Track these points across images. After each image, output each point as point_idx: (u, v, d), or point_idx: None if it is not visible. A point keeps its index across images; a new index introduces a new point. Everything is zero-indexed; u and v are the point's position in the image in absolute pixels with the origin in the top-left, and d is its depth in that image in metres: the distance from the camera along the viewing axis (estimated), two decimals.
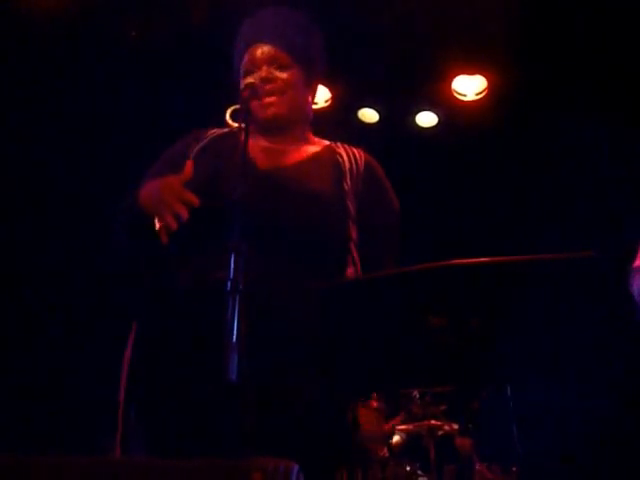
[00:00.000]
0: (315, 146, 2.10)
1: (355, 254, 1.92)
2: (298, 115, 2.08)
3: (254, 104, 1.95)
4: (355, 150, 2.10)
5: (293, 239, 1.86)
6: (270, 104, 2.00)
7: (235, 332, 1.43)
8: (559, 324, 1.40)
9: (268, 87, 2.00)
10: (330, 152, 2.07)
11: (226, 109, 1.98)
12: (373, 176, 2.06)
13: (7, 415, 3.99)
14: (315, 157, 2.05)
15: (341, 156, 2.05)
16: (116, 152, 4.25)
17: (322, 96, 4.71)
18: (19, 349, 4.25)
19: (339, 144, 2.12)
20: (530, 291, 1.38)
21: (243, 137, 1.81)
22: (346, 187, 1.98)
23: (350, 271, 1.90)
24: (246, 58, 2.07)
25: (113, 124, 4.34)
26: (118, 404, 1.80)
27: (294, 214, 1.88)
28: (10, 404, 4.06)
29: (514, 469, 3.31)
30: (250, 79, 2.01)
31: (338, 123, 4.35)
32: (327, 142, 2.13)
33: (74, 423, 4.01)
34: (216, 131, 2.11)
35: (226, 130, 2.09)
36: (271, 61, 2.04)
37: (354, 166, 2.03)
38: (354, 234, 1.94)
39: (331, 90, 4.68)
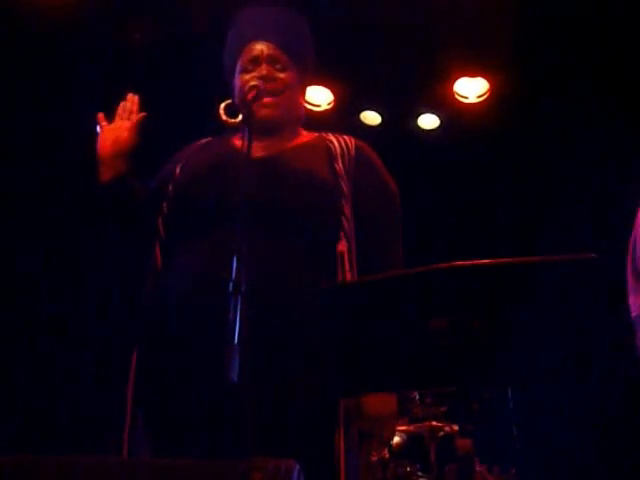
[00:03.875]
0: (305, 137, 2.12)
1: (347, 229, 1.93)
2: (292, 116, 2.09)
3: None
4: (346, 137, 2.11)
5: (289, 221, 1.87)
6: (267, 104, 2.00)
7: (237, 333, 1.44)
8: (560, 326, 1.40)
9: (269, 86, 1.99)
10: (320, 139, 2.09)
11: (218, 107, 1.97)
12: (365, 159, 2.07)
13: (14, 416, 3.99)
14: (306, 143, 2.08)
15: (331, 142, 2.07)
16: None
17: (324, 99, 4.72)
18: (22, 351, 4.25)
19: (329, 133, 2.13)
20: (531, 293, 1.38)
21: (239, 139, 1.82)
22: (338, 168, 1.99)
23: (343, 245, 1.91)
24: (245, 55, 2.06)
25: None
26: (125, 404, 1.81)
27: (288, 195, 1.89)
28: (17, 405, 4.06)
29: (513, 470, 3.31)
30: (250, 78, 2.00)
31: (340, 126, 4.35)
32: (317, 133, 2.14)
33: (80, 424, 4.02)
34: (210, 140, 2.13)
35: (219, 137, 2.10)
36: (272, 60, 2.04)
37: (345, 150, 2.05)
38: (347, 211, 1.95)
39: (333, 93, 4.69)
